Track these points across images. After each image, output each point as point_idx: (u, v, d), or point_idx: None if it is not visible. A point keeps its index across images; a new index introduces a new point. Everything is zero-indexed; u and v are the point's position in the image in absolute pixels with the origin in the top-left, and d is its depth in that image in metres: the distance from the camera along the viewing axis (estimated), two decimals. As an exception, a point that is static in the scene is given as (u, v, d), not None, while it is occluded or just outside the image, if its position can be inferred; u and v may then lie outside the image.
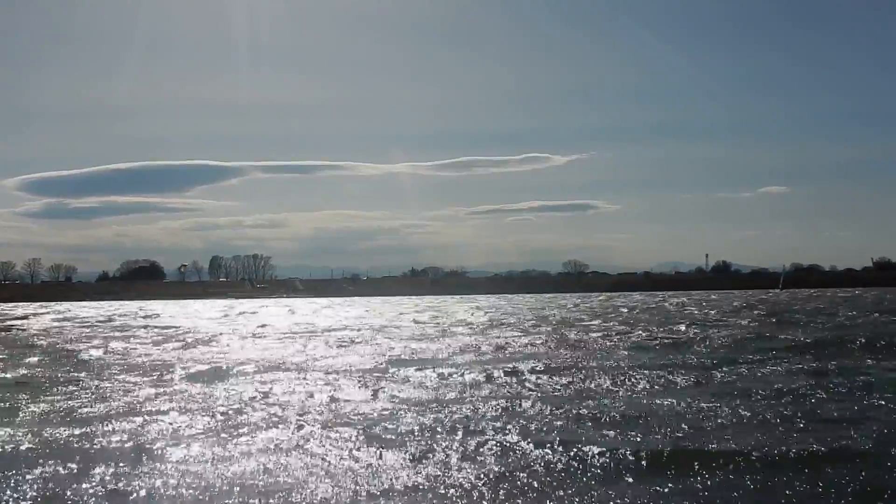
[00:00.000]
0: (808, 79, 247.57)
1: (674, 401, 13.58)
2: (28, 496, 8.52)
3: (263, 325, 39.56)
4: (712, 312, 46.48)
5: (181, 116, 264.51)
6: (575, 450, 9.91)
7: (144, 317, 52.74)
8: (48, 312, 63.58)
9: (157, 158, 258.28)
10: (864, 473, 8.97)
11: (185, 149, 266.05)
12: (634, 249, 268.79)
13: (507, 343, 25.86)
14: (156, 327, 39.44)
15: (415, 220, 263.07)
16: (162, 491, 8.69)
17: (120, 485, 8.87)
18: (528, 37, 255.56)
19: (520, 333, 30.67)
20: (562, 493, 8.53)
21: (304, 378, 17.60)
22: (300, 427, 11.78)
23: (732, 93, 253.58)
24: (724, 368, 18.28)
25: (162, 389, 16.05)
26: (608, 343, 25.54)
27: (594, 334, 29.32)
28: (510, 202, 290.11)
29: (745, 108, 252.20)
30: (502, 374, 17.55)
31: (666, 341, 25.56)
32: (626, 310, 52.71)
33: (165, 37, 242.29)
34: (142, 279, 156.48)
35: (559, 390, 15.56)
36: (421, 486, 8.78)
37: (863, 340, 23.57)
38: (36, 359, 23.06)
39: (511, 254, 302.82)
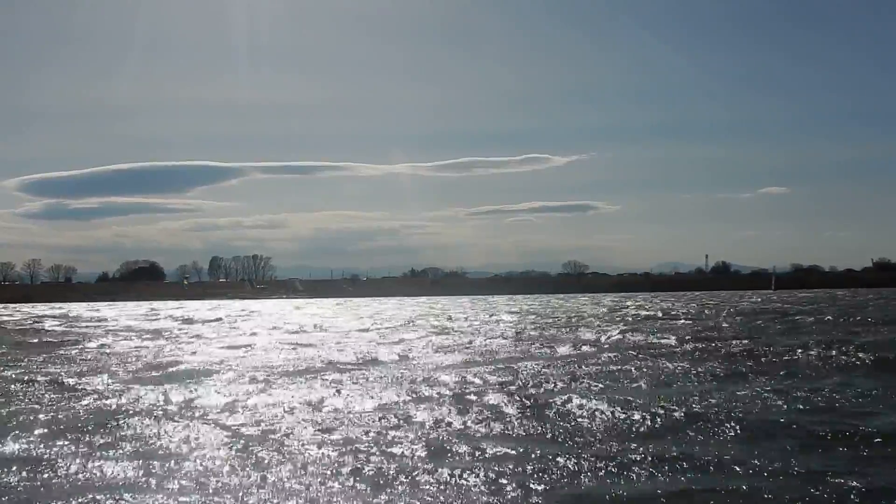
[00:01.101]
0: (808, 79, 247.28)
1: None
2: None
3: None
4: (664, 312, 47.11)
5: (181, 116, 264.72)
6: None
7: (89, 319, 53.39)
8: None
9: (157, 159, 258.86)
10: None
11: (185, 149, 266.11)
12: (634, 250, 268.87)
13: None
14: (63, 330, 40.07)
15: (415, 221, 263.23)
16: None
17: None
18: (528, 37, 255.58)
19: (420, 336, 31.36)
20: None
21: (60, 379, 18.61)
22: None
23: (732, 93, 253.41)
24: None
25: None
26: (489, 344, 26.50)
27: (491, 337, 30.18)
28: (510, 203, 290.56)
29: (745, 108, 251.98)
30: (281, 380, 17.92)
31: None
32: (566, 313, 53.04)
33: (165, 37, 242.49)
34: (142, 280, 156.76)
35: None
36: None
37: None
38: None
39: (511, 254, 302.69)
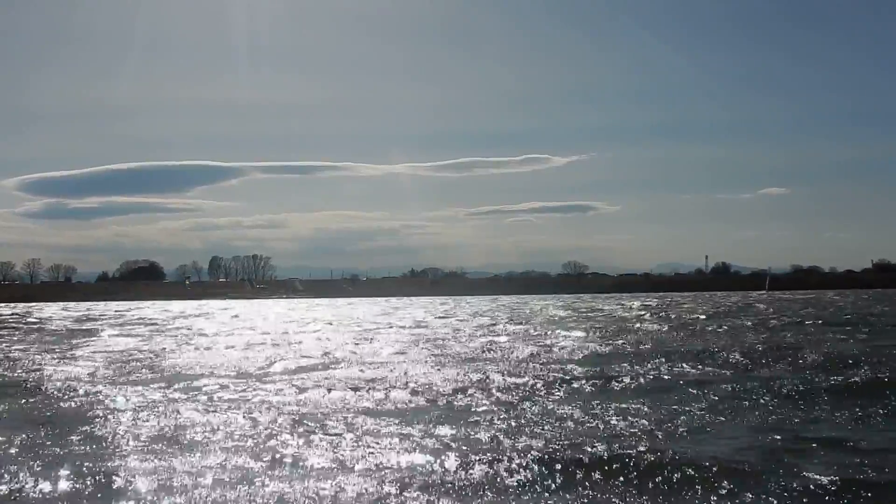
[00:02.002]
0: (808, 79, 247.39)
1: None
2: None
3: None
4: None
5: (181, 116, 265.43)
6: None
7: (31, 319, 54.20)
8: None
9: (156, 159, 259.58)
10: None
11: (185, 149, 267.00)
12: (634, 250, 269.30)
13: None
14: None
15: (415, 221, 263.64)
16: None
17: None
18: (528, 37, 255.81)
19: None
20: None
21: None
22: None
23: (732, 93, 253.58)
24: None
25: None
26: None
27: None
28: (510, 203, 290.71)
29: (745, 109, 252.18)
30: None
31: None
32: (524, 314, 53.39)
33: (165, 37, 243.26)
34: (141, 280, 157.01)
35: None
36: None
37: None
38: None
39: (511, 255, 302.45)
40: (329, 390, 16.04)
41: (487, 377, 17.47)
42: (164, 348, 27.45)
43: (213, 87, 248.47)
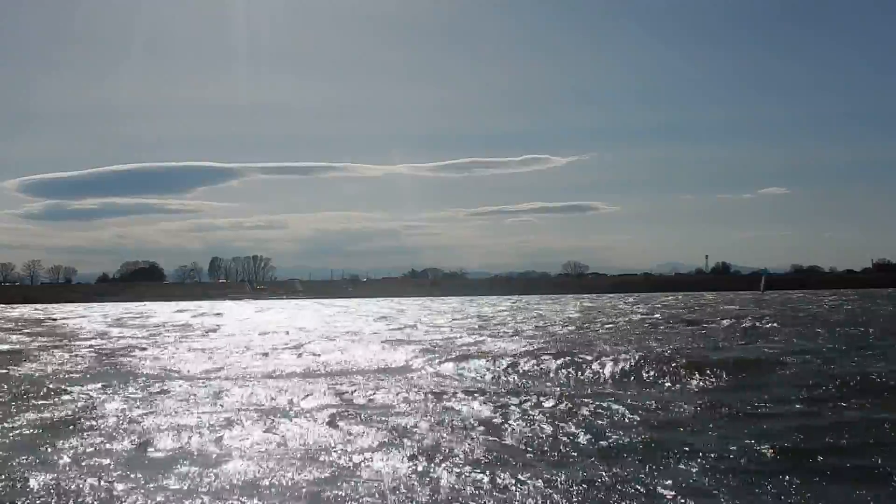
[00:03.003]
0: (809, 79, 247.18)
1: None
2: None
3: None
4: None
5: (181, 117, 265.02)
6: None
7: None
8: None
9: (156, 159, 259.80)
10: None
11: (185, 150, 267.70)
12: (634, 250, 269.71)
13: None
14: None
15: (415, 222, 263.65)
16: None
17: None
18: (528, 37, 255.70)
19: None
20: None
21: None
22: None
23: (732, 93, 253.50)
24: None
25: None
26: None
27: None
28: (510, 203, 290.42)
29: (746, 109, 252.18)
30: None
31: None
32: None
33: (165, 38, 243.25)
34: (141, 280, 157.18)
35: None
36: None
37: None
38: None
39: (511, 255, 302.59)
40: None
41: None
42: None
43: (213, 88, 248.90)
